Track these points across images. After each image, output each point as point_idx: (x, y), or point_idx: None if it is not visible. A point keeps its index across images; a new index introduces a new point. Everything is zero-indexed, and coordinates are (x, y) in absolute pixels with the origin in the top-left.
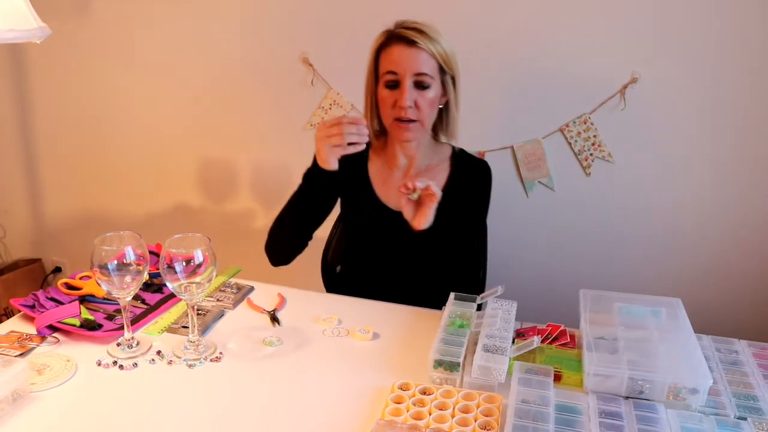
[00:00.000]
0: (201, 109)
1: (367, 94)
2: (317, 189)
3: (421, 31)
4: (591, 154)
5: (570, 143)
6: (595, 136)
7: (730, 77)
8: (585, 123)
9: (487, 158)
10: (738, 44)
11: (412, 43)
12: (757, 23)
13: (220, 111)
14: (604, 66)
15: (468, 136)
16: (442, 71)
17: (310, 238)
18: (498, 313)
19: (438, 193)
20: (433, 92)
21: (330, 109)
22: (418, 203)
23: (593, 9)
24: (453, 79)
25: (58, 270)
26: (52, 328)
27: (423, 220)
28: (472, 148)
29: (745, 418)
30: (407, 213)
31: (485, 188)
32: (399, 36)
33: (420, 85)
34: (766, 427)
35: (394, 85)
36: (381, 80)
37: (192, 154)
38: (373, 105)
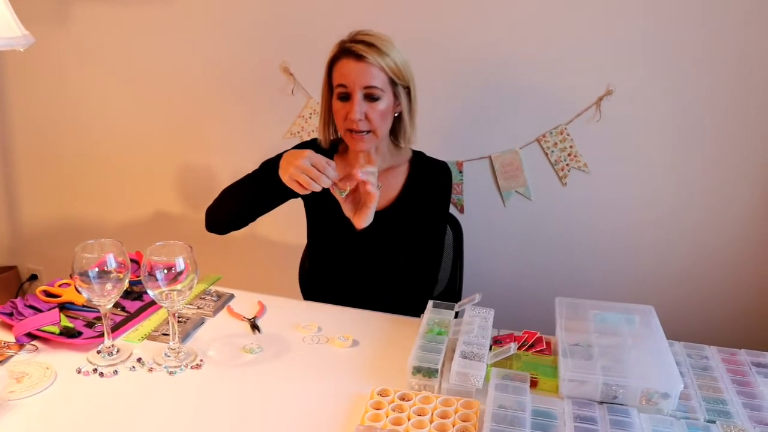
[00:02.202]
0: (181, 117)
1: (323, 104)
2: (272, 184)
3: (370, 45)
4: (567, 165)
5: (547, 153)
6: (571, 147)
7: (704, 89)
8: (561, 134)
9: (466, 167)
10: (711, 56)
11: (360, 57)
12: (730, 35)
13: (201, 119)
14: (580, 78)
15: (446, 146)
16: (393, 83)
17: (253, 220)
18: (475, 321)
19: (373, 191)
20: (384, 104)
21: (310, 118)
22: (360, 202)
23: (569, 23)
24: (407, 88)
25: (34, 277)
26: (31, 336)
27: (362, 219)
28: (450, 158)
29: (714, 422)
30: (347, 210)
31: (444, 189)
32: (349, 50)
33: (370, 98)
34: (734, 430)
35: (346, 97)
36: (334, 92)
37: (172, 161)
38: (329, 114)
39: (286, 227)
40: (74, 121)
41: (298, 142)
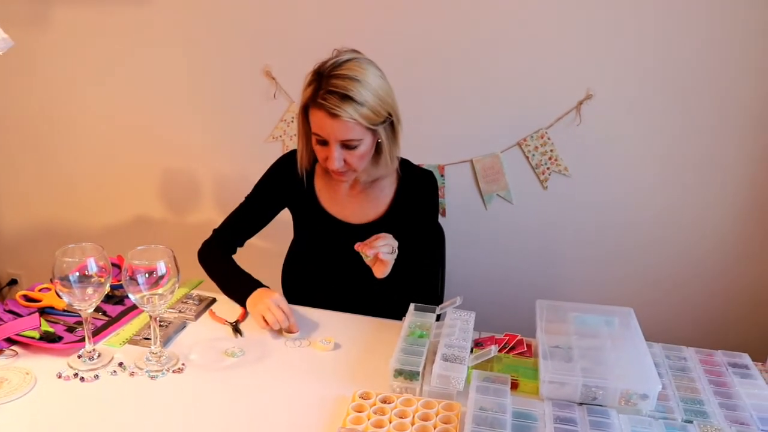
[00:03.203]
0: (162, 120)
1: (300, 134)
2: (237, 293)
3: (344, 96)
4: (548, 168)
5: (527, 157)
6: (551, 151)
7: (684, 92)
8: (542, 138)
9: (447, 171)
10: (691, 59)
11: (334, 115)
12: (710, 39)
13: (182, 122)
14: (561, 83)
15: (428, 150)
16: (371, 128)
17: (242, 245)
18: (456, 324)
19: (387, 258)
20: (363, 148)
21: (292, 122)
22: (378, 258)
23: (549, 28)
24: (388, 120)
25: (14, 282)
26: (11, 341)
27: (378, 272)
28: (432, 162)
29: (691, 421)
30: (368, 262)
31: (433, 196)
32: (322, 105)
33: (348, 146)
34: (711, 429)
35: (324, 142)
36: (311, 135)
37: (154, 165)
38: (307, 138)
39: (268, 232)
40: (54, 124)
41: (279, 145)
